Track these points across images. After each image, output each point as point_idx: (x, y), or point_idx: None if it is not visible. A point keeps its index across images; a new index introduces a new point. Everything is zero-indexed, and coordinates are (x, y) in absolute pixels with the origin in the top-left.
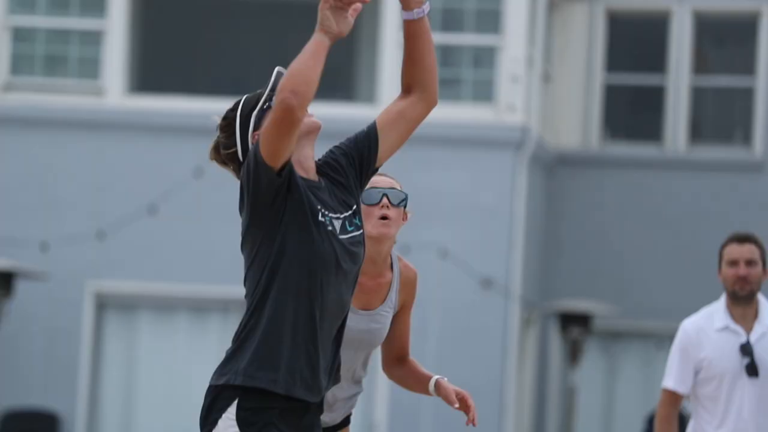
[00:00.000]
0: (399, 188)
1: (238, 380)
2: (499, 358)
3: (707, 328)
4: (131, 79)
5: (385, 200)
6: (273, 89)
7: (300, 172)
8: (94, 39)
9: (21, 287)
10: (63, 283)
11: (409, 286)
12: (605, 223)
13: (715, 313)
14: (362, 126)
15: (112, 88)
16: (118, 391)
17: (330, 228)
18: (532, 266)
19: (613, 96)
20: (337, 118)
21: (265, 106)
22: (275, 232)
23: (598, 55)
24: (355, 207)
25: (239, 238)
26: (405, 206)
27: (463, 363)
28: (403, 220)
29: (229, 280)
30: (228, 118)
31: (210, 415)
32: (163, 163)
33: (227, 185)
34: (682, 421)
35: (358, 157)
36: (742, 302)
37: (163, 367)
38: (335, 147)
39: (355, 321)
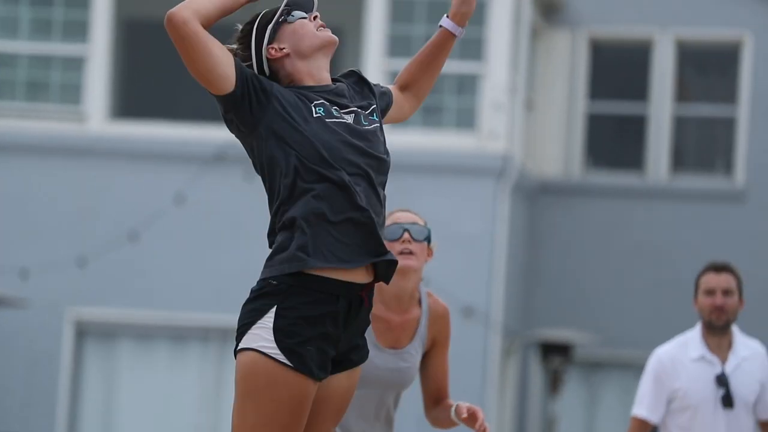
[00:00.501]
0: (422, 224)
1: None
2: (480, 386)
3: (682, 358)
4: (113, 105)
5: (406, 235)
6: (288, 3)
7: (308, 80)
8: (76, 65)
9: (1, 314)
10: (43, 311)
11: (439, 322)
12: (587, 252)
13: (690, 342)
14: None
15: (94, 114)
16: (98, 419)
17: (333, 119)
18: (513, 295)
19: (595, 124)
20: None
21: (280, 20)
22: (266, 135)
23: (581, 83)
24: (374, 106)
25: (220, 266)
26: (429, 242)
27: None
28: (428, 256)
29: (209, 308)
30: (244, 31)
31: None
32: (145, 190)
33: (208, 212)
34: None
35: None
36: (717, 332)
37: (142, 395)
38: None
39: (383, 360)
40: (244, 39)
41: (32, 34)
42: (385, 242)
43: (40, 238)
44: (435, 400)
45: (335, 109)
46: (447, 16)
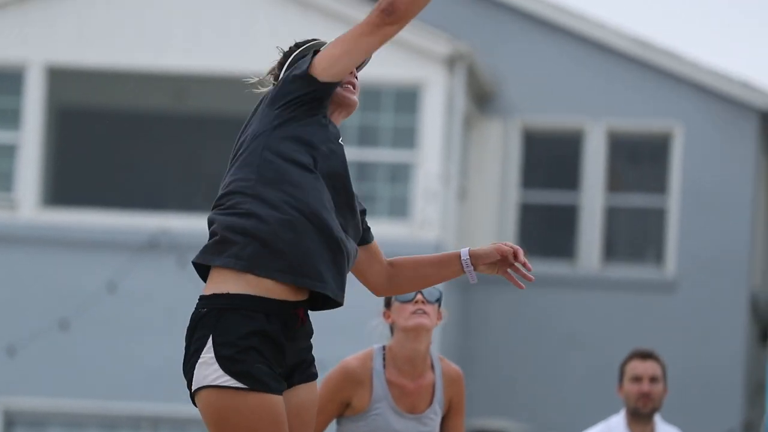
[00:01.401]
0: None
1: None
2: None
3: None
4: (45, 192)
5: (419, 296)
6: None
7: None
8: (8, 152)
9: None
10: None
11: (453, 385)
12: (520, 340)
13: (615, 429)
14: None
15: (26, 201)
16: None
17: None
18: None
19: (527, 213)
20: None
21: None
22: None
23: (514, 171)
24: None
25: (153, 354)
26: (440, 304)
27: None
28: (438, 318)
29: (141, 397)
30: (292, 54)
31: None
32: (77, 277)
33: (141, 300)
34: None
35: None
36: (642, 419)
37: None
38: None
39: (403, 425)
40: (286, 60)
41: None
42: (397, 303)
43: None
44: None
45: None
46: (468, 254)
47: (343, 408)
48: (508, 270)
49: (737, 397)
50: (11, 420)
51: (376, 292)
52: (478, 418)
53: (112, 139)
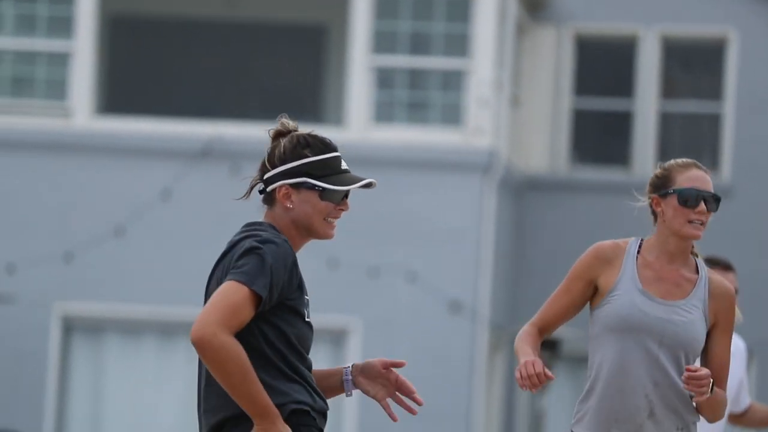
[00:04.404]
0: (712, 191)
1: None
2: (467, 382)
3: None
4: (98, 101)
5: (702, 206)
6: (337, 169)
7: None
8: (61, 60)
9: None
10: (30, 306)
11: (721, 299)
12: (573, 246)
13: None
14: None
15: (79, 109)
16: (85, 413)
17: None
18: (500, 290)
19: (581, 120)
20: None
21: (318, 183)
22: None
23: (566, 79)
24: None
25: (206, 260)
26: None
27: (430, 387)
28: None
29: (196, 302)
30: (286, 146)
31: None
32: (131, 185)
33: (194, 207)
34: None
35: None
36: None
37: (130, 389)
38: None
39: (650, 307)
40: (282, 155)
41: (17, 29)
42: (676, 203)
43: (27, 233)
44: None
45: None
46: (351, 365)
47: (589, 290)
48: (387, 398)
49: None
50: (69, 326)
51: None
52: None
53: (164, 46)
